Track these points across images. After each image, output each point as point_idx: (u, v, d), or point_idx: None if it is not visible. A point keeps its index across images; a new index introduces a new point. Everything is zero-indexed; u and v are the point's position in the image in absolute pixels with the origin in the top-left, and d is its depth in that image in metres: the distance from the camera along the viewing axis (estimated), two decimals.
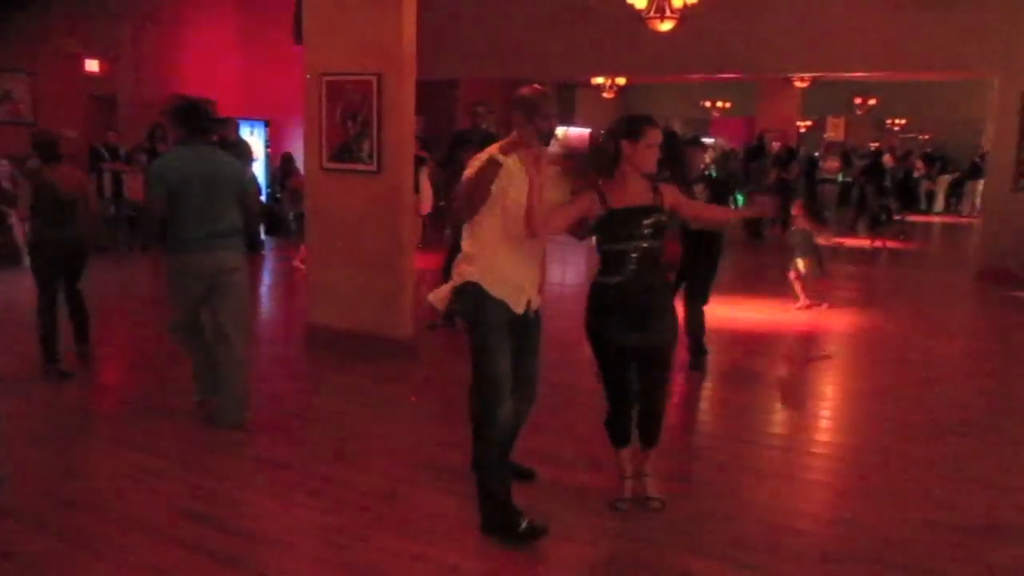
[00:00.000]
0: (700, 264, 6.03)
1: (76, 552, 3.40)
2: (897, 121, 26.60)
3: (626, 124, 3.66)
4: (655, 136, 3.63)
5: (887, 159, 17.95)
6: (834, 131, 25.99)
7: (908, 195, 18.72)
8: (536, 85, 3.61)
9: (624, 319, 3.62)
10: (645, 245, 3.59)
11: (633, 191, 3.63)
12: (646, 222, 3.59)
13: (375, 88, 6.21)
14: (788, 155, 15.33)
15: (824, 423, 5.42)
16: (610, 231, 3.62)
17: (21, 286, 7.47)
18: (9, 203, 9.55)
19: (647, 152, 3.61)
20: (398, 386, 5.83)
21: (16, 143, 10.18)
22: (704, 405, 5.91)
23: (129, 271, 10.49)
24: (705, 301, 6.12)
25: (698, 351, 6.15)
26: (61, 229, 5.75)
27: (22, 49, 11.83)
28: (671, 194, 3.74)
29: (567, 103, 21.26)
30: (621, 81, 17.96)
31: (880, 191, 15.17)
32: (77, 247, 5.91)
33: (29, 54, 11.85)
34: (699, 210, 4.41)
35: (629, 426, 3.81)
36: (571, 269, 10.89)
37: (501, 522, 3.54)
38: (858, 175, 16.51)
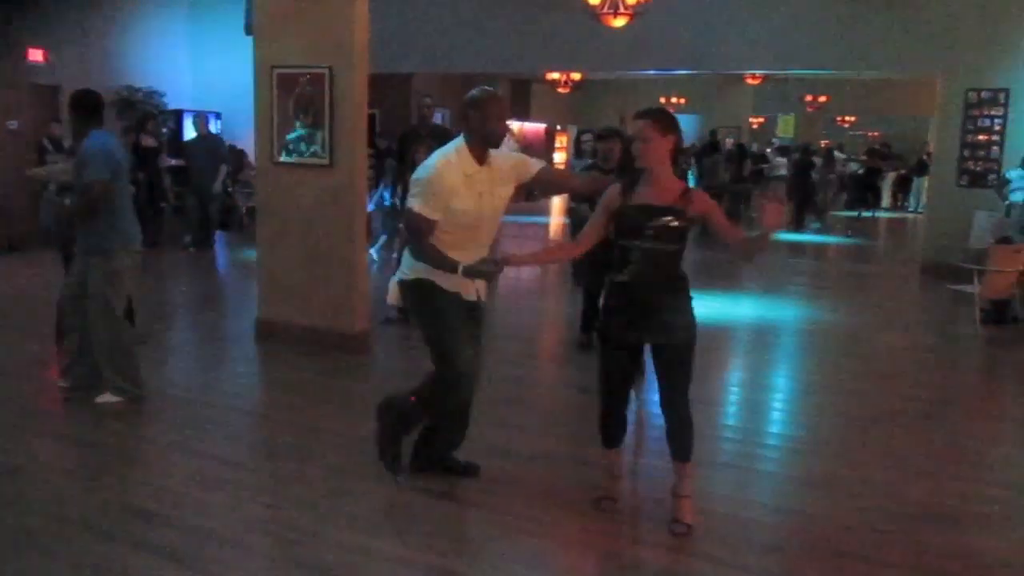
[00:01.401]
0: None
1: (25, 552, 3.31)
2: (847, 118, 27.13)
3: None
4: (636, 129, 3.46)
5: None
6: (785, 128, 26.43)
7: (869, 192, 19.12)
8: (487, 87, 3.67)
9: (625, 316, 3.52)
10: (647, 246, 3.40)
11: (657, 190, 3.44)
12: (650, 224, 3.38)
13: (327, 81, 6.14)
14: (740, 152, 15.56)
15: (775, 415, 5.51)
16: (620, 225, 3.51)
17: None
18: None
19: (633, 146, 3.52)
20: (350, 381, 5.78)
21: None
22: (656, 397, 5.92)
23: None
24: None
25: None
26: None
27: None
28: (702, 202, 3.48)
29: (522, 98, 21.26)
30: (576, 76, 18.05)
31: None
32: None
33: None
34: (722, 227, 3.56)
35: (619, 427, 3.77)
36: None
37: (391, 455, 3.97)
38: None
